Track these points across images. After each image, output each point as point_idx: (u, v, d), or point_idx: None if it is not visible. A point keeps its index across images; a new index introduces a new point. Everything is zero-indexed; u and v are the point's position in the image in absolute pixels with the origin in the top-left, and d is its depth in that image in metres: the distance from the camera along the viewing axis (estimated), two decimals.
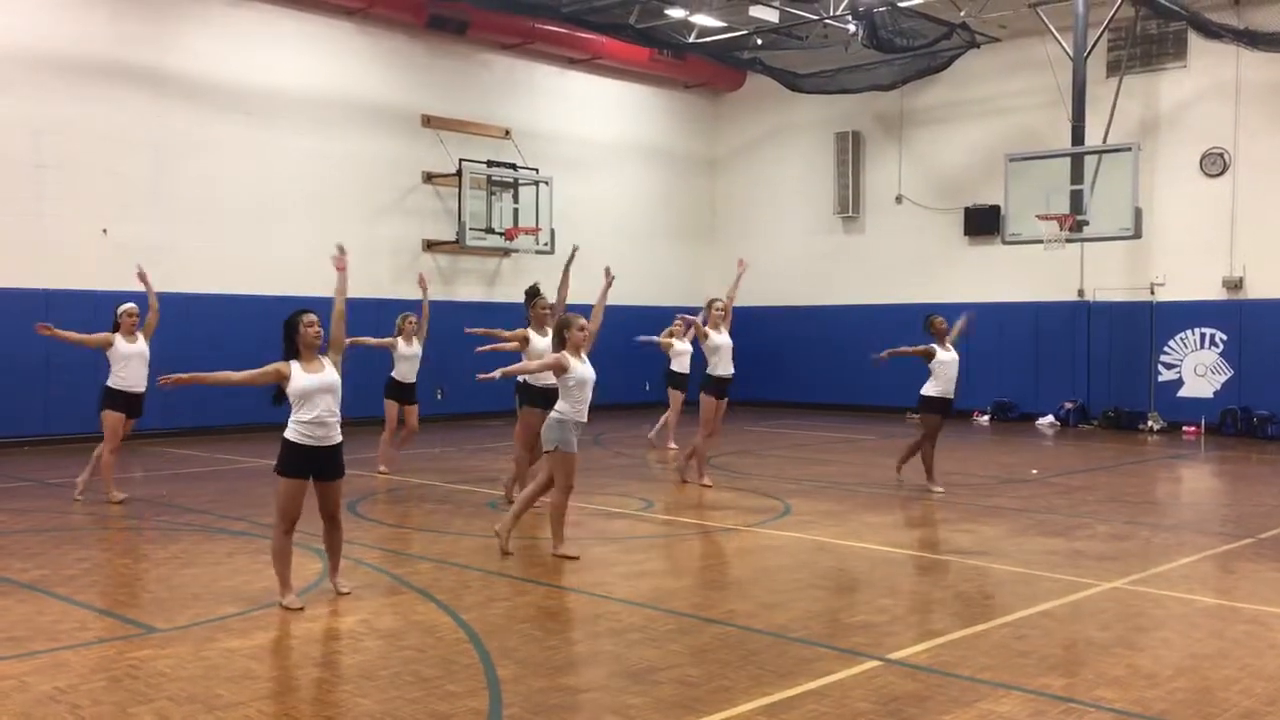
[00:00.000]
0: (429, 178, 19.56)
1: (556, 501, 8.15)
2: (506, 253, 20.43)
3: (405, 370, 12.65)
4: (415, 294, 19.09)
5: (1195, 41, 17.90)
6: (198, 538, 9.03)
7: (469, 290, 20.12)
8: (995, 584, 7.54)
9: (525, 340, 10.41)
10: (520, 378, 10.22)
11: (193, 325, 15.99)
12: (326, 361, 6.67)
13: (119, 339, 10.56)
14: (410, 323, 12.80)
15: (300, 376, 6.49)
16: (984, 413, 20.12)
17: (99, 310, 15.57)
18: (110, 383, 10.54)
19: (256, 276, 17.27)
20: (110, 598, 6.91)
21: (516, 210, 19.88)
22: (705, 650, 5.85)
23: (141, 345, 10.61)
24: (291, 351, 6.59)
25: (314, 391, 6.49)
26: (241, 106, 17.29)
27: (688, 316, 12.70)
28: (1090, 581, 7.44)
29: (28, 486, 11.72)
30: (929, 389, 11.45)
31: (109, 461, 10.55)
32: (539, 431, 10.19)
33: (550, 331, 10.57)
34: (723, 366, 11.52)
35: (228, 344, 15.44)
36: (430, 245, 19.64)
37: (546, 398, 10.36)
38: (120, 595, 7.03)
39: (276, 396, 6.61)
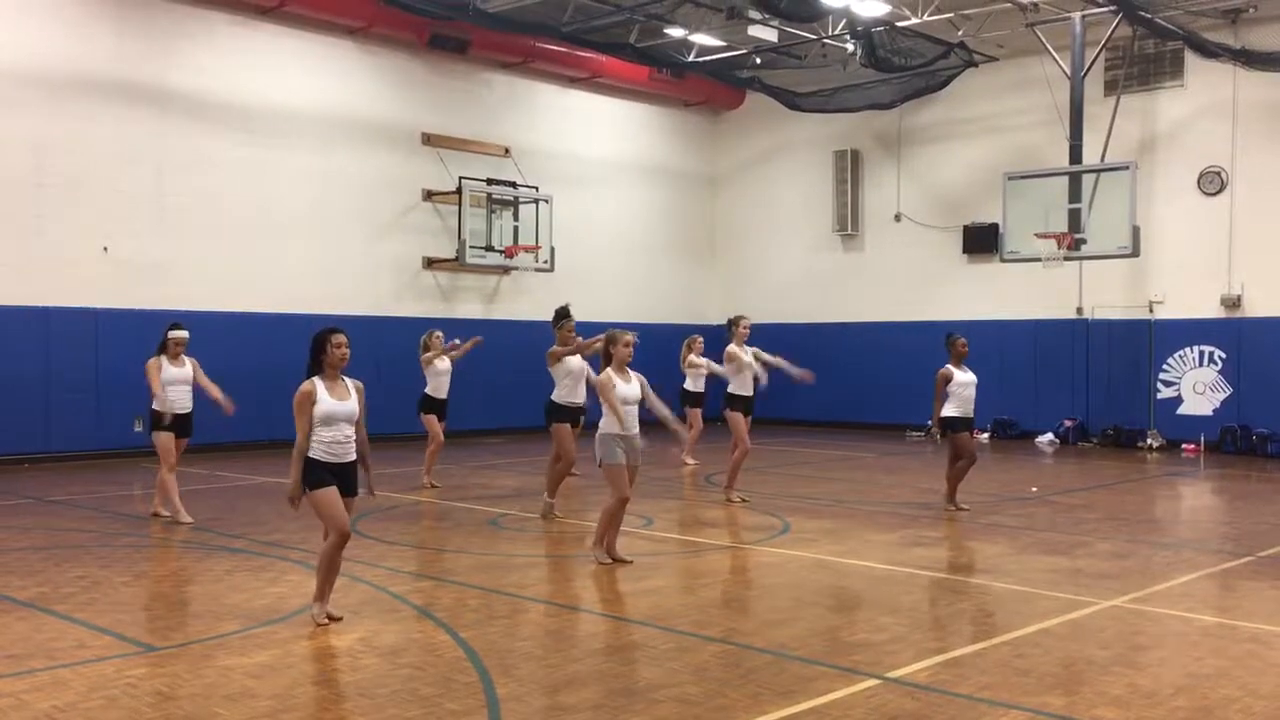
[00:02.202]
0: (429, 195, 19.61)
1: (609, 506, 8.45)
2: (506, 270, 20.48)
3: (439, 385, 12.84)
4: (416, 311, 19.37)
5: (1192, 61, 17.98)
6: (196, 555, 9.02)
7: (468, 308, 20.15)
8: (995, 602, 7.54)
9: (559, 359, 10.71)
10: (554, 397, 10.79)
11: (193, 343, 15.93)
12: (351, 387, 6.68)
13: (166, 363, 10.37)
14: (436, 338, 12.95)
15: (325, 400, 6.52)
16: (984, 430, 20.11)
17: (100, 327, 15.67)
18: (155, 405, 10.33)
19: (257, 293, 17.31)
20: (109, 616, 6.89)
21: (516, 228, 19.94)
22: (704, 668, 5.84)
23: (187, 370, 10.47)
24: (316, 368, 6.62)
25: (336, 418, 6.54)
26: (243, 124, 17.36)
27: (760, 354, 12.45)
28: (1090, 600, 7.43)
29: (28, 504, 11.70)
30: (947, 410, 11.19)
31: (168, 482, 10.36)
32: (567, 445, 10.62)
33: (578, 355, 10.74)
34: (747, 386, 11.84)
35: (228, 361, 15.40)
36: (430, 263, 19.68)
37: (568, 413, 10.72)
38: (119, 613, 7.01)
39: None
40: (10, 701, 5.22)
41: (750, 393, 11.89)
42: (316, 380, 6.59)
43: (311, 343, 6.67)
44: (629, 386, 8.40)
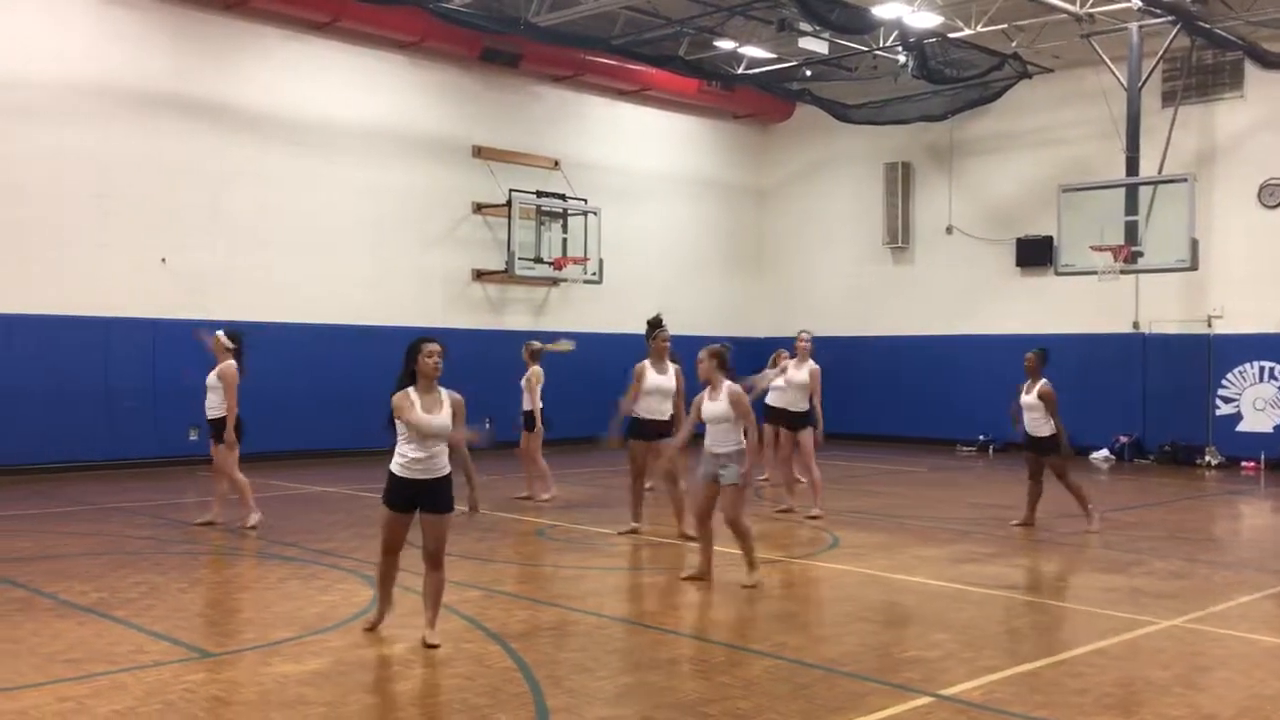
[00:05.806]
0: (479, 208, 19.77)
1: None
2: (555, 282, 20.57)
3: (526, 399, 12.58)
4: (466, 323, 19.52)
5: (1252, 71, 17.67)
6: (251, 562, 9.14)
7: (518, 320, 20.26)
8: (1050, 620, 7.43)
9: (640, 377, 10.07)
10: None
11: (247, 353, 16.18)
12: (446, 400, 6.38)
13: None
14: (537, 349, 12.73)
15: (417, 412, 6.26)
16: None
17: (158, 337, 15.94)
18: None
19: (311, 305, 17.52)
20: (166, 621, 7.00)
21: (565, 240, 20.02)
22: (755, 683, 5.81)
23: (214, 378, 10.76)
24: (409, 379, 6.35)
25: (423, 431, 6.28)
26: (297, 138, 17.61)
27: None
28: (1148, 619, 7.30)
29: (87, 510, 11.93)
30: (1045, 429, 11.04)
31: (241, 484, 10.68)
32: (642, 463, 10.24)
33: (669, 368, 10.18)
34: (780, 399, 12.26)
35: (282, 371, 15.62)
36: (480, 275, 19.82)
37: (642, 429, 10.18)
38: (176, 619, 7.11)
39: (389, 424, 6.40)
40: (72, 705, 5.31)
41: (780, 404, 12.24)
42: (411, 391, 6.31)
43: (405, 352, 6.39)
44: (715, 405, 8.16)
